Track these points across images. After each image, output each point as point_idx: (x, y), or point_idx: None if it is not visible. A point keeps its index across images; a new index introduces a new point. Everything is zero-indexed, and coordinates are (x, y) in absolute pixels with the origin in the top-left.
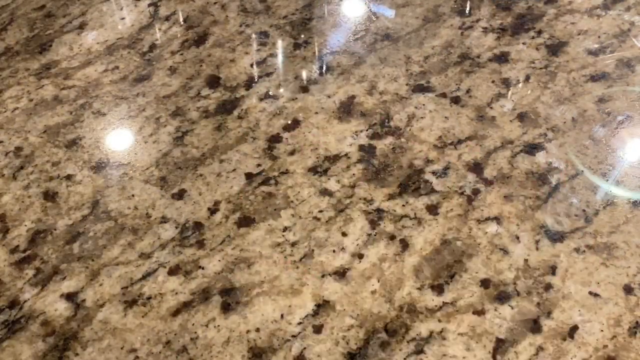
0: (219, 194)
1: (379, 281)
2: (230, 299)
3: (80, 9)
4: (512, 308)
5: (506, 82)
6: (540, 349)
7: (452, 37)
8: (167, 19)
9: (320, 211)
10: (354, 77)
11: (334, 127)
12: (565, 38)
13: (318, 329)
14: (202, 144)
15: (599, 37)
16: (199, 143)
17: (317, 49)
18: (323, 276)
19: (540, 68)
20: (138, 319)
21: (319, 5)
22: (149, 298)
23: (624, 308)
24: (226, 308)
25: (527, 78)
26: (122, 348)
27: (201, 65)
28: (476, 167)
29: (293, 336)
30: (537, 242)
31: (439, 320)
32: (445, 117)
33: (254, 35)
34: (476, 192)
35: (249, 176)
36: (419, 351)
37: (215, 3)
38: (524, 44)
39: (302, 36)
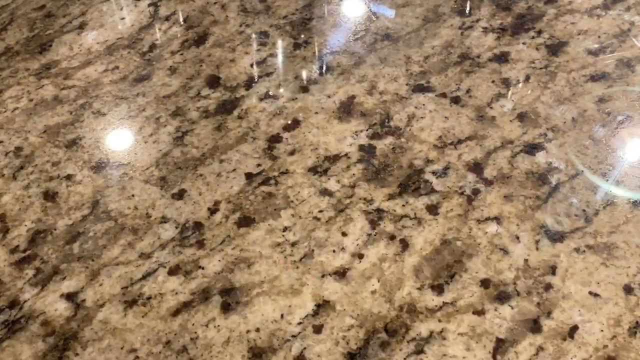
0: (219, 194)
1: (379, 281)
2: (230, 299)
3: (80, 9)
4: (512, 308)
5: (506, 82)
6: (540, 349)
7: (452, 37)
8: (167, 19)
9: (320, 211)
10: (354, 77)
11: (334, 127)
12: (565, 38)
13: (318, 329)
14: (202, 144)
15: (599, 37)
16: (199, 143)
17: (317, 49)
18: (323, 276)
19: (540, 68)
20: (138, 319)
21: (319, 5)
22: (149, 298)
23: (624, 308)
24: (226, 308)
25: (527, 78)
26: (122, 348)
27: (201, 65)
28: (476, 167)
29: (293, 336)
30: (537, 242)
31: (439, 320)
32: (445, 117)
33: (254, 35)
34: (476, 192)
35: (249, 176)
36: (419, 351)
37: (215, 3)
38: (524, 44)
39: (302, 36)
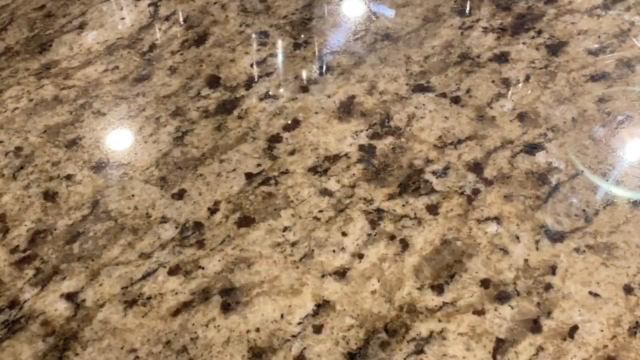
0: (219, 194)
1: (379, 281)
2: (230, 299)
3: (80, 9)
4: (512, 308)
5: (506, 82)
6: (540, 349)
7: (452, 37)
8: (167, 19)
9: (320, 211)
10: (354, 77)
11: (334, 127)
12: (565, 38)
13: (318, 329)
14: (202, 144)
15: (599, 37)
16: (199, 143)
17: (317, 49)
18: (323, 276)
19: (540, 68)
20: (138, 319)
21: (319, 5)
22: (149, 298)
23: (624, 308)
24: (226, 308)
25: (527, 78)
26: (122, 348)
27: (201, 65)
28: (476, 167)
29: (293, 336)
30: (537, 242)
31: (439, 320)
32: (445, 117)
33: (254, 35)
34: (476, 192)
35: (249, 176)
36: (419, 351)
37: (215, 3)
38: (524, 44)
39: (302, 36)
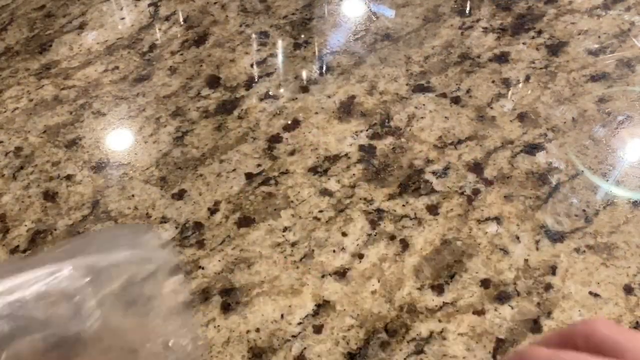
0: (219, 194)
1: (379, 281)
2: (230, 299)
3: (80, 9)
4: (512, 308)
5: (506, 82)
6: None
7: (452, 37)
8: (167, 19)
9: (320, 211)
10: (354, 77)
11: (334, 127)
12: (565, 38)
13: (318, 329)
14: (202, 144)
15: (599, 37)
16: (199, 143)
17: (317, 49)
18: (323, 276)
19: (540, 68)
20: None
21: (319, 5)
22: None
23: (624, 308)
24: (226, 308)
25: (527, 78)
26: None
27: (201, 65)
28: (476, 167)
29: (293, 336)
30: (537, 242)
31: (439, 320)
32: (445, 117)
33: (254, 35)
34: (476, 192)
35: (249, 176)
36: (419, 351)
37: (215, 3)
38: (524, 44)
39: (302, 36)
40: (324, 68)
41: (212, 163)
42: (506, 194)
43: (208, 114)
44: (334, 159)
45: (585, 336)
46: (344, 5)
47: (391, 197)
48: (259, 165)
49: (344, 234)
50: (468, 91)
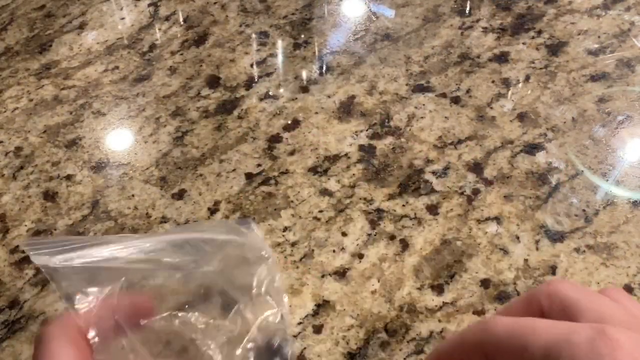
0: (219, 194)
1: (379, 281)
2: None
3: (80, 9)
4: None
5: (506, 82)
6: None
7: (452, 37)
8: (167, 19)
9: (320, 211)
10: (354, 77)
11: (334, 127)
12: (565, 38)
13: (318, 329)
14: (202, 144)
15: (599, 37)
16: (199, 143)
17: (317, 49)
18: (323, 276)
19: (540, 68)
20: None
21: (319, 5)
22: None
23: None
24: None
25: (527, 78)
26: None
27: (201, 65)
28: (476, 167)
29: (293, 336)
30: (537, 242)
31: (439, 320)
32: (445, 117)
33: (254, 35)
34: (476, 192)
35: (249, 176)
36: (419, 351)
37: (215, 3)
38: (524, 44)
39: (302, 36)
40: (324, 68)
41: (212, 163)
42: (506, 194)
43: (208, 114)
44: (334, 159)
45: (548, 295)
46: (344, 5)
47: (391, 197)
48: (259, 165)
49: (344, 234)
50: (468, 91)
